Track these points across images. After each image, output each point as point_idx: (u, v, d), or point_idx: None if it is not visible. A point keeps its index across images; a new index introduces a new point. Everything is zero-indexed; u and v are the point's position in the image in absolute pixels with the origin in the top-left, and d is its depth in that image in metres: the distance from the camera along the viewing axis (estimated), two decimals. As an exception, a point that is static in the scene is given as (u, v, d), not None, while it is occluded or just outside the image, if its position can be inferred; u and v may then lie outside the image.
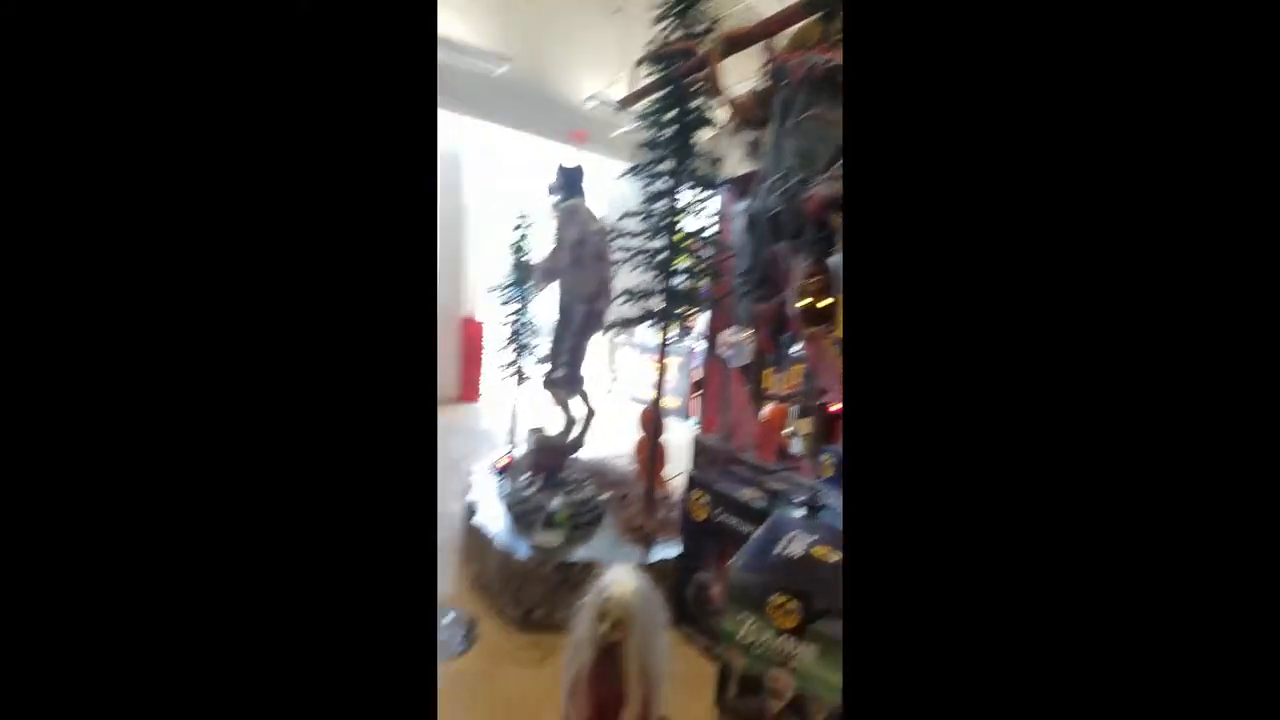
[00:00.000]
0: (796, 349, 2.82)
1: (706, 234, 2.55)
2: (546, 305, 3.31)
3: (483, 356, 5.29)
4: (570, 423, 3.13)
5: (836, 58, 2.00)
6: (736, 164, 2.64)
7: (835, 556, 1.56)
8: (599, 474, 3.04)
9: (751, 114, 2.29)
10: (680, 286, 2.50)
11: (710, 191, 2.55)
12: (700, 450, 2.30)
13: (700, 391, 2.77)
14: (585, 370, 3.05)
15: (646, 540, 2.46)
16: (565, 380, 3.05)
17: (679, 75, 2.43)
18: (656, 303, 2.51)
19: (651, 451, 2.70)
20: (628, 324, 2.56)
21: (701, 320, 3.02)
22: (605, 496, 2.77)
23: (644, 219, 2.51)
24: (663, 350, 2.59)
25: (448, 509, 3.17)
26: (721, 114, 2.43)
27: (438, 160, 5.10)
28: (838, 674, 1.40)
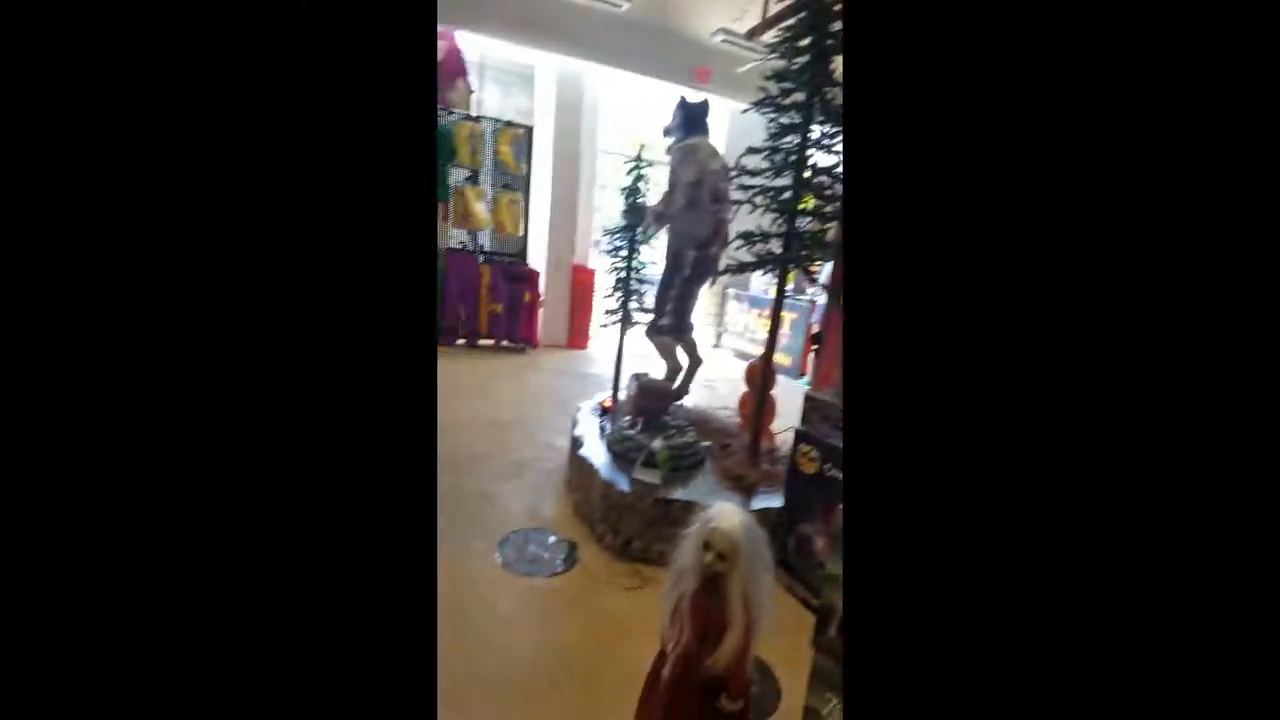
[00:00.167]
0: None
1: (839, 171, 2.34)
2: (657, 251, 3.28)
3: (592, 303, 5.43)
4: (674, 370, 3.13)
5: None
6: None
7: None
8: (702, 422, 3.03)
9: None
10: (804, 230, 2.34)
11: (845, 125, 2.32)
12: (812, 406, 2.19)
13: (816, 346, 2.61)
14: (692, 319, 3.01)
15: (748, 489, 2.43)
16: (671, 328, 3.04)
17: (817, -5, 2.20)
18: (776, 247, 2.38)
19: (758, 405, 2.63)
20: (743, 269, 2.46)
21: (825, 269, 2.82)
22: (707, 444, 2.76)
23: (768, 156, 2.36)
24: (778, 301, 2.46)
25: (554, 443, 3.36)
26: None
27: (554, 105, 5.18)
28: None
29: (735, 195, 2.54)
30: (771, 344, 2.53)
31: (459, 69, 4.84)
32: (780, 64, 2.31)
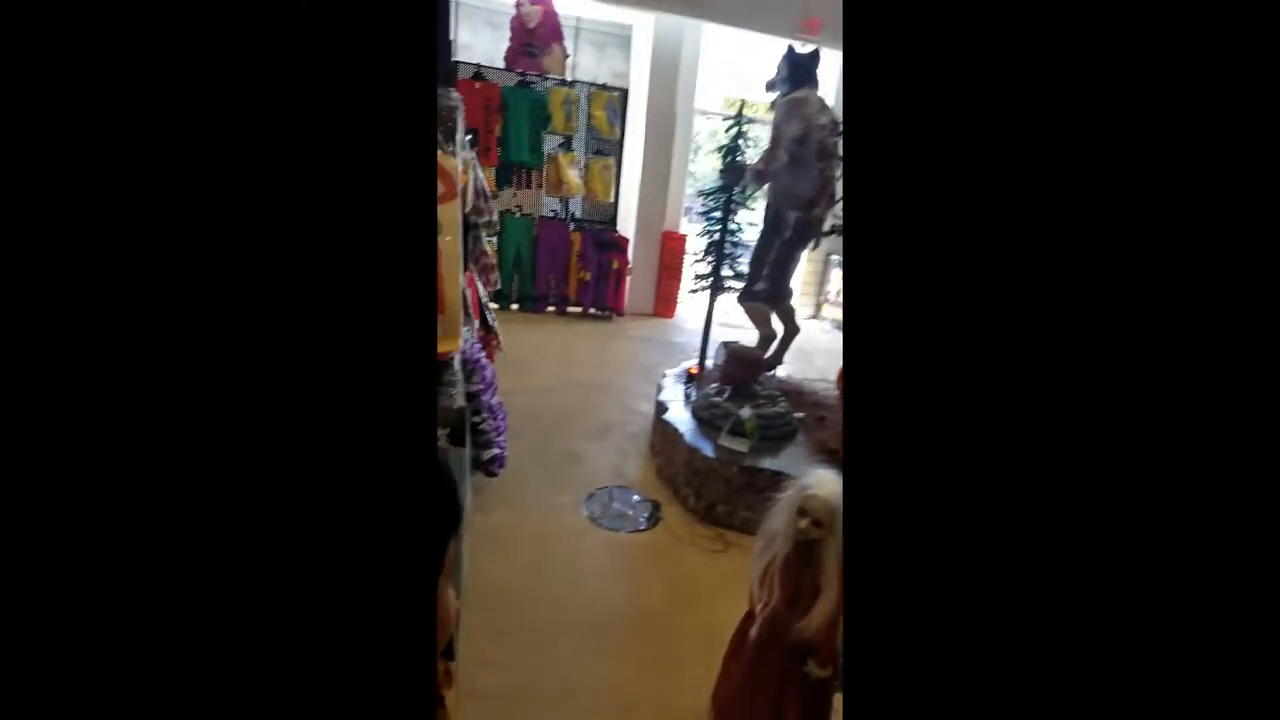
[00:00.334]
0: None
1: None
2: (755, 215, 3.14)
3: (681, 270, 5.36)
4: (767, 338, 3.02)
5: None
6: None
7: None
8: (796, 393, 2.92)
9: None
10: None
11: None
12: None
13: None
14: (791, 285, 2.87)
15: (841, 463, 2.32)
16: (767, 293, 2.91)
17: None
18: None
19: (855, 376, 2.48)
20: (848, 231, 2.29)
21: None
22: (800, 415, 2.66)
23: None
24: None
25: (637, 407, 3.39)
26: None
27: (649, 65, 5.06)
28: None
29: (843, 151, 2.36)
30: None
31: (555, 34, 4.85)
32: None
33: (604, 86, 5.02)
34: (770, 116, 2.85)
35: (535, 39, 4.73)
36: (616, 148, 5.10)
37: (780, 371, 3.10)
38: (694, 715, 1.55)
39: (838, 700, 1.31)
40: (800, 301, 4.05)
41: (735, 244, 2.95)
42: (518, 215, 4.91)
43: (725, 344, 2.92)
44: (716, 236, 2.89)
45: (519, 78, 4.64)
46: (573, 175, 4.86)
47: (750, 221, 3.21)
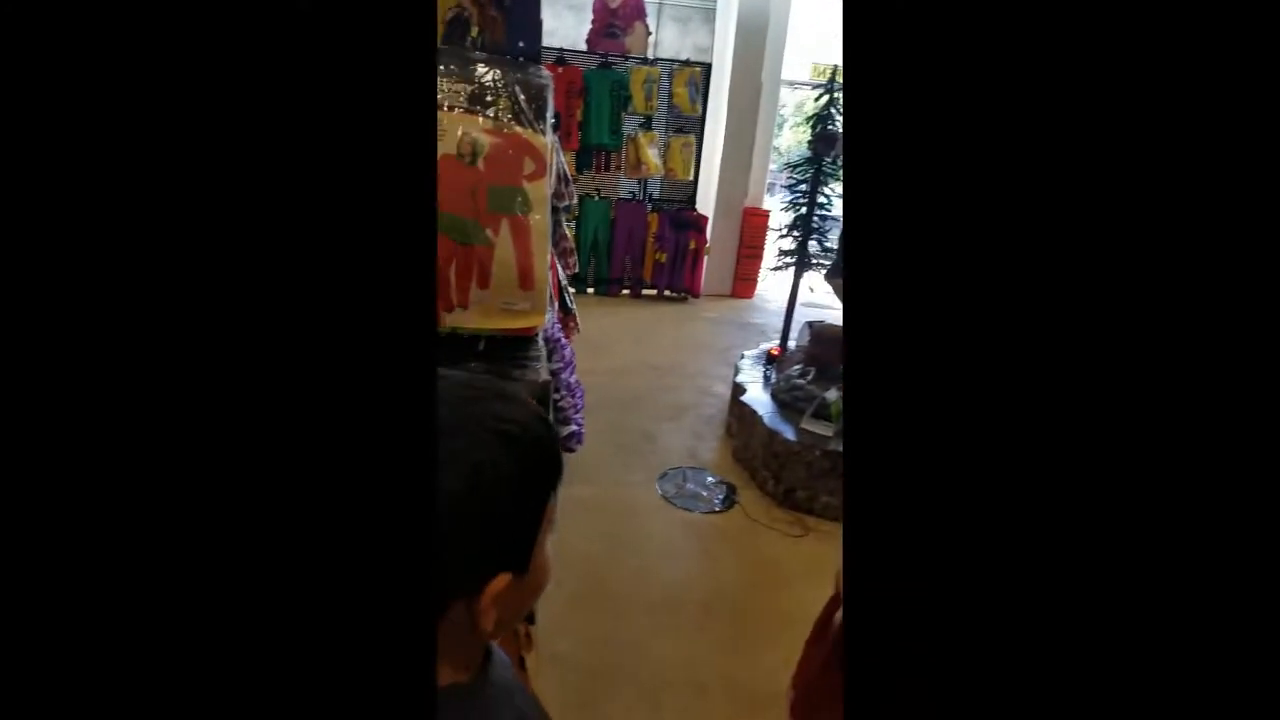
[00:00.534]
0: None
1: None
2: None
3: (763, 248, 5.18)
4: (853, 319, 2.85)
5: None
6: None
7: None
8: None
9: None
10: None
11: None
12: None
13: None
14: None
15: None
16: (854, 272, 2.74)
17: None
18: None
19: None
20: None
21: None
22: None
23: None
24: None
25: (712, 389, 3.33)
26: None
27: (733, 37, 4.88)
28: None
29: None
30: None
31: (638, 12, 4.80)
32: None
33: (686, 62, 4.91)
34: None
35: (618, 19, 4.71)
36: (697, 124, 4.98)
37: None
38: (769, 699, 1.50)
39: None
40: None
41: (824, 217, 2.79)
42: (596, 199, 4.95)
43: (810, 324, 2.79)
44: (803, 210, 2.75)
45: (600, 59, 4.64)
46: (652, 155, 4.81)
47: (840, 194, 3.03)
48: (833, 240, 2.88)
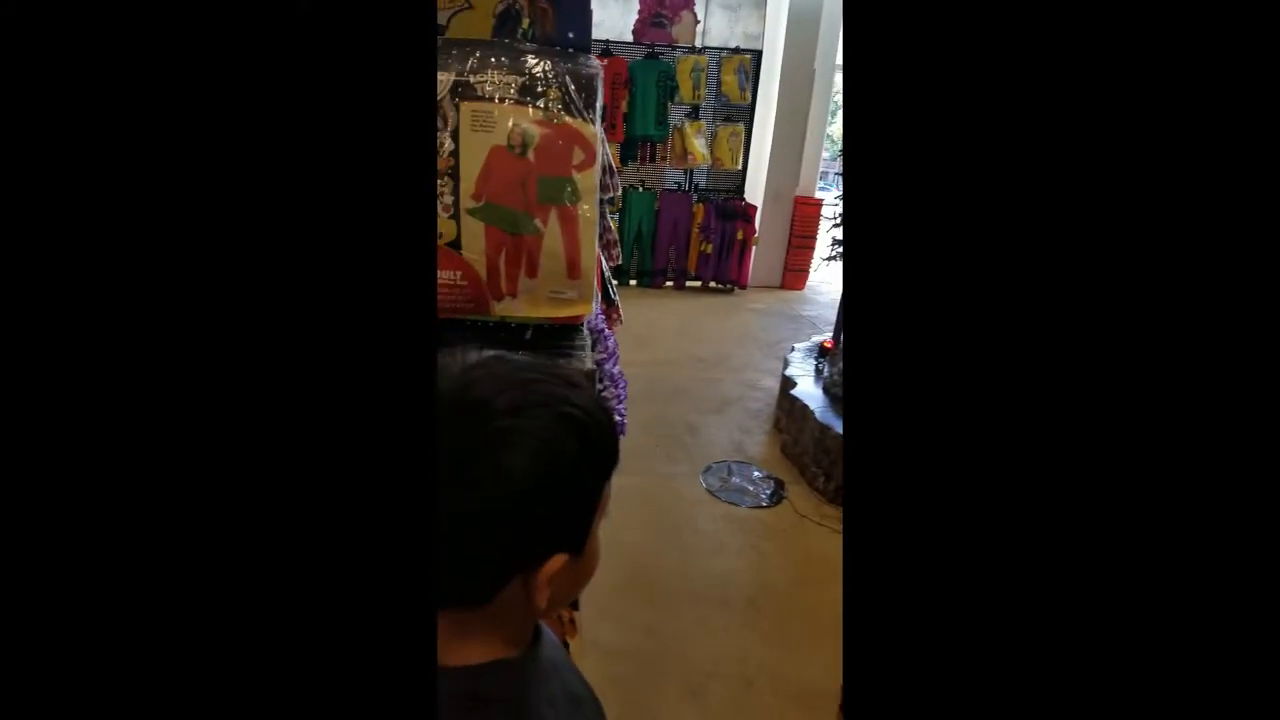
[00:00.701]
0: None
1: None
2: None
3: (816, 237, 5.02)
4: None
5: None
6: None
7: None
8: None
9: None
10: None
11: None
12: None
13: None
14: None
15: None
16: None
17: None
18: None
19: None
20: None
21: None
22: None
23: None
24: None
25: (759, 383, 3.27)
26: None
27: (784, 22, 4.74)
28: None
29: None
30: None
31: (685, 1, 4.73)
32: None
33: (735, 50, 4.81)
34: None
35: (665, 8, 4.65)
36: (746, 113, 4.88)
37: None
38: (819, 697, 1.47)
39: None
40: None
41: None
42: (640, 190, 4.93)
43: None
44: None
45: (647, 50, 4.61)
46: (698, 145, 4.74)
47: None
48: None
